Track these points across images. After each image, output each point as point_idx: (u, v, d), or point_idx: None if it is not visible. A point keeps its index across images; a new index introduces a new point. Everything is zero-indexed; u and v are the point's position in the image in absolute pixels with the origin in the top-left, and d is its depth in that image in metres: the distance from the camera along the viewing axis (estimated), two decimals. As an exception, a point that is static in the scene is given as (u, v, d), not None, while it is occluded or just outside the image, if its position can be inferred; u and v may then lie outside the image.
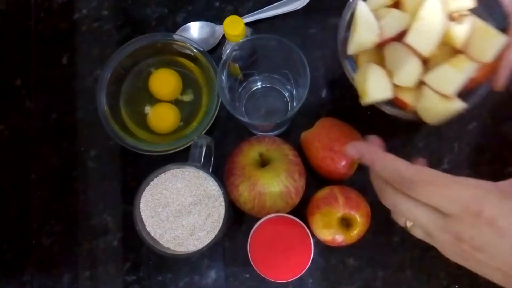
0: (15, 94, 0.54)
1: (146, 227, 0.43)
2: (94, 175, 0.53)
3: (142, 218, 0.43)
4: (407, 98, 0.41)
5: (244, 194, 0.43)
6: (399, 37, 0.39)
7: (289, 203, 0.44)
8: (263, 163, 0.45)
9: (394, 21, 0.39)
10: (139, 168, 0.52)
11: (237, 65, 0.46)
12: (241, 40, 0.43)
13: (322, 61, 0.52)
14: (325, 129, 0.47)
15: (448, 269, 0.48)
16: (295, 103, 0.48)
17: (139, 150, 0.48)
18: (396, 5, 0.41)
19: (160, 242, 0.43)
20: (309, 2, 0.52)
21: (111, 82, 0.49)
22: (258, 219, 0.44)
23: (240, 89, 0.50)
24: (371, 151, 0.34)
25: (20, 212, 0.53)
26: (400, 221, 0.34)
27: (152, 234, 0.43)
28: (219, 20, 0.53)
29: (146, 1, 0.55)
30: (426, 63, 0.40)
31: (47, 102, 0.54)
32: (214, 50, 0.53)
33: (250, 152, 0.44)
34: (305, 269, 0.42)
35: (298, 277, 0.42)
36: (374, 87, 0.40)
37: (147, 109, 0.51)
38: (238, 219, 0.50)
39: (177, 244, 0.42)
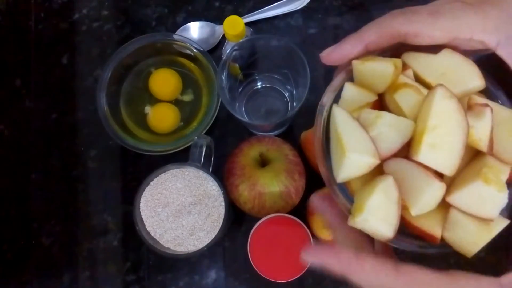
0: (15, 94, 0.54)
1: (146, 227, 0.43)
2: (94, 175, 0.53)
3: (142, 218, 0.43)
4: (431, 226, 0.29)
5: (244, 194, 0.43)
6: (402, 149, 0.28)
7: (289, 203, 0.44)
8: (263, 163, 0.45)
9: (390, 130, 0.28)
10: (139, 168, 0.52)
11: (237, 65, 0.46)
12: (241, 40, 0.43)
13: (322, 61, 0.52)
14: (325, 129, 0.47)
15: (449, 269, 0.48)
16: (295, 103, 0.48)
17: (139, 150, 0.48)
18: (379, 104, 0.31)
19: (160, 242, 0.43)
20: (309, 2, 0.52)
21: (111, 82, 0.49)
22: (258, 219, 0.44)
23: (240, 89, 0.50)
24: (342, 260, 0.26)
25: (20, 212, 0.53)
26: None
27: (152, 234, 0.43)
28: (219, 20, 0.53)
29: (146, 1, 0.55)
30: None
31: (47, 102, 0.54)
32: (214, 50, 0.53)
33: (250, 152, 0.44)
34: (305, 269, 0.42)
35: (298, 277, 0.42)
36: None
37: (147, 109, 0.51)
38: (238, 219, 0.50)
39: (177, 244, 0.42)
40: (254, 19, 0.52)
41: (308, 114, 0.51)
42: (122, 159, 0.52)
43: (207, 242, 0.42)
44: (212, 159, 0.48)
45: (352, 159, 0.28)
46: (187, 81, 0.52)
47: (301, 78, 0.43)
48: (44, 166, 0.53)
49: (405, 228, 0.30)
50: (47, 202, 0.52)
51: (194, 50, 0.50)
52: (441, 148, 0.26)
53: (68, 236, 0.52)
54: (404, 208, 0.28)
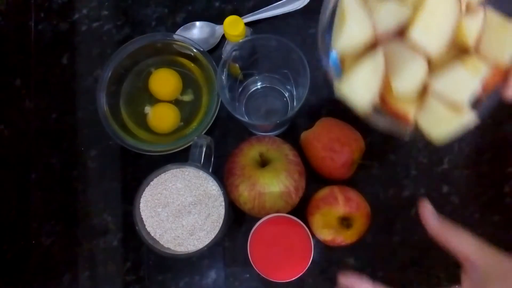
0: (15, 94, 0.54)
1: (146, 227, 0.43)
2: (94, 175, 0.53)
3: (142, 218, 0.43)
4: (407, 108, 0.34)
5: (244, 194, 0.43)
6: (398, 35, 0.33)
7: (289, 203, 0.44)
8: (263, 163, 0.45)
9: (390, 15, 0.32)
10: (139, 168, 0.52)
11: (237, 65, 0.46)
12: (241, 40, 0.43)
13: (322, 61, 0.52)
14: (325, 129, 0.47)
15: (449, 269, 0.48)
16: (295, 103, 0.48)
17: (139, 150, 0.48)
18: None
19: (160, 242, 0.43)
20: (309, 2, 0.52)
21: (111, 82, 0.49)
22: (258, 219, 0.44)
23: (240, 89, 0.50)
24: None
25: (20, 212, 0.53)
26: None
27: (152, 234, 0.43)
28: (219, 20, 0.53)
29: (146, 1, 0.55)
30: (429, 67, 0.33)
31: (47, 102, 0.54)
32: (214, 50, 0.53)
33: (250, 152, 0.44)
34: (305, 269, 0.42)
35: (298, 277, 0.42)
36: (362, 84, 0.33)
37: (147, 109, 0.51)
38: (238, 219, 0.50)
39: (177, 244, 0.42)
40: (254, 19, 0.52)
41: (308, 114, 0.51)
42: (122, 159, 0.52)
43: (207, 242, 0.42)
44: (212, 159, 0.48)
45: (351, 27, 0.32)
46: (187, 81, 0.52)
47: (301, 78, 0.43)
48: (44, 166, 0.53)
49: (384, 111, 0.35)
50: (47, 202, 0.52)
51: (194, 50, 0.50)
52: (432, 29, 0.30)
53: (68, 236, 0.52)
54: (386, 91, 0.33)
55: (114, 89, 0.51)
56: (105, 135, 0.50)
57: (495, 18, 0.32)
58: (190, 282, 0.50)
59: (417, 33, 0.31)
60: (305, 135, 0.48)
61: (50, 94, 0.54)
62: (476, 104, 0.34)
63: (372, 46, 0.33)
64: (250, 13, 0.52)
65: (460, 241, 0.34)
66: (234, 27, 0.44)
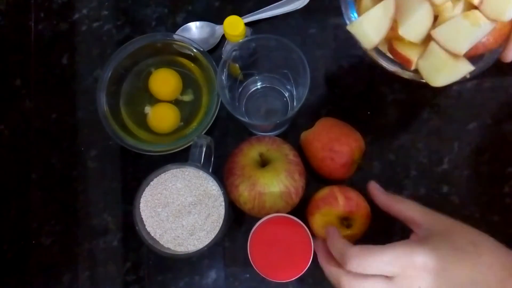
0: (15, 94, 0.54)
1: (146, 227, 0.43)
2: (94, 175, 0.53)
3: (142, 218, 0.43)
4: (411, 54, 0.37)
5: (244, 194, 0.43)
6: None
7: (289, 203, 0.44)
8: (263, 163, 0.45)
9: None
10: (139, 168, 0.52)
11: (237, 65, 0.46)
12: (241, 40, 0.43)
13: (322, 61, 0.52)
14: (325, 129, 0.47)
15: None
16: (295, 103, 0.48)
17: (139, 150, 0.48)
18: None
19: (160, 242, 0.43)
20: (309, 2, 0.52)
21: (111, 82, 0.49)
22: (258, 219, 0.44)
23: (240, 89, 0.50)
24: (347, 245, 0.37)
25: (20, 212, 0.53)
26: None
27: (152, 234, 0.43)
28: (219, 20, 0.53)
29: (146, 1, 0.55)
30: (436, 20, 0.36)
31: (47, 102, 0.54)
32: (214, 50, 0.53)
33: (250, 152, 0.44)
34: (305, 269, 0.42)
35: (298, 277, 0.42)
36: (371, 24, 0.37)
37: (147, 109, 0.51)
38: (238, 219, 0.50)
39: (177, 244, 0.42)
40: (254, 19, 0.52)
41: (308, 114, 0.51)
42: (122, 159, 0.52)
43: (207, 242, 0.42)
44: (212, 159, 0.48)
45: None
46: (187, 81, 0.52)
47: (301, 78, 0.43)
48: (44, 166, 0.53)
49: (390, 54, 0.39)
50: (47, 202, 0.52)
51: (194, 50, 0.50)
52: None
53: (68, 236, 0.52)
54: (394, 35, 0.37)
55: (114, 89, 0.51)
56: (105, 135, 0.50)
57: None
58: (190, 282, 0.50)
59: None
60: (305, 135, 0.48)
61: (50, 94, 0.54)
62: (475, 59, 0.37)
63: None
64: (250, 13, 0.52)
65: (405, 208, 0.39)
66: (234, 27, 0.44)
